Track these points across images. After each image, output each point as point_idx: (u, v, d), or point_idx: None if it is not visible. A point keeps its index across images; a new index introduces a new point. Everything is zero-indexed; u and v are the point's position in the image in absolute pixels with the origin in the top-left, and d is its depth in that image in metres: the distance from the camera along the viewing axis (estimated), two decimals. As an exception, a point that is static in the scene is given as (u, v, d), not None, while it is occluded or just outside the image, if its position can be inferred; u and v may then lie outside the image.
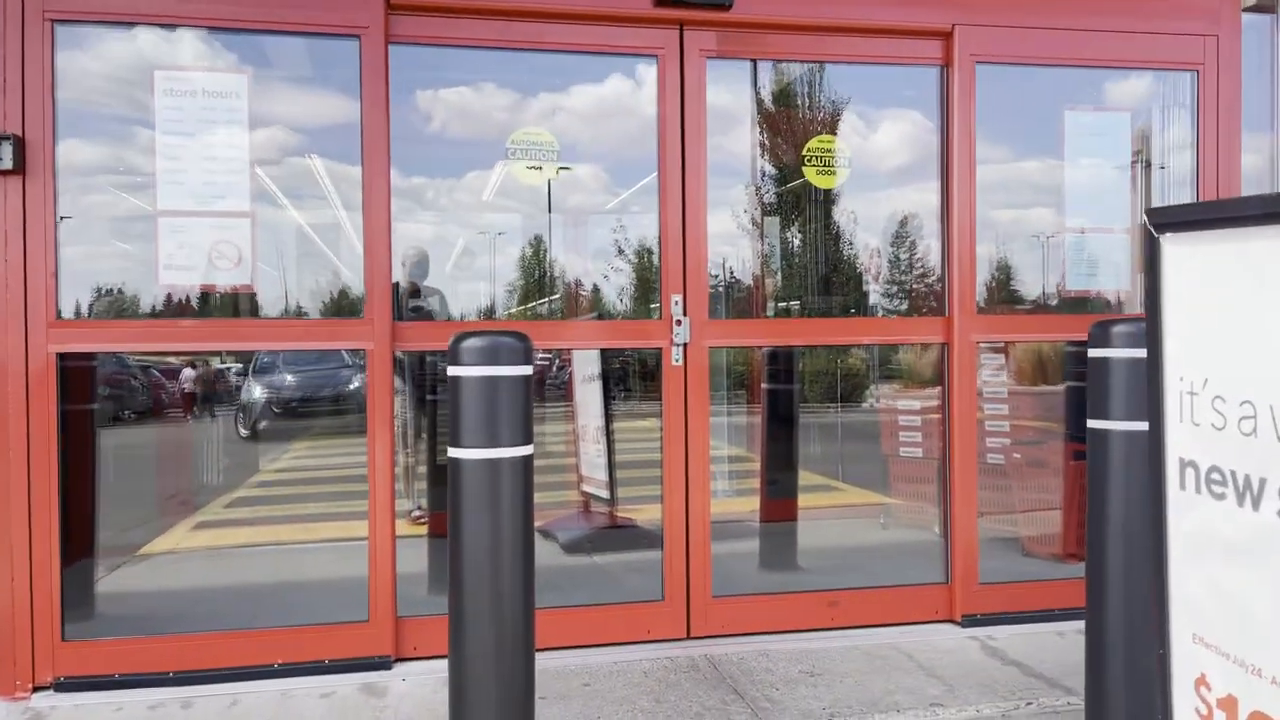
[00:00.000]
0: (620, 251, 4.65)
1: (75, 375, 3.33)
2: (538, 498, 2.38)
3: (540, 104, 3.87)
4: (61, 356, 3.19)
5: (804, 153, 3.94)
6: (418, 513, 4.55)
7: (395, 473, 3.44)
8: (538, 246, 4.69)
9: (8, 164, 3.05)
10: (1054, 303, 4.17)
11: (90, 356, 3.48)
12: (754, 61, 4.12)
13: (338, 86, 3.43)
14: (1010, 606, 3.77)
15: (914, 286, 4.55)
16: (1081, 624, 2.68)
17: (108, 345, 3.40)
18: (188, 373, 5.59)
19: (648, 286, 4.11)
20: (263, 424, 6.14)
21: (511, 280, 4.83)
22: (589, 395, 4.68)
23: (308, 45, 3.45)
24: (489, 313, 4.70)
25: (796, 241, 4.96)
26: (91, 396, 3.58)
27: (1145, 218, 1.55)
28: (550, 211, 4.33)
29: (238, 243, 3.30)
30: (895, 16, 3.72)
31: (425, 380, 4.54)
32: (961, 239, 3.78)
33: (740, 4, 3.56)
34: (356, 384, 3.21)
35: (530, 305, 4.87)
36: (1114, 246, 4.08)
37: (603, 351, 4.60)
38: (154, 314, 3.39)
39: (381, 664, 3.33)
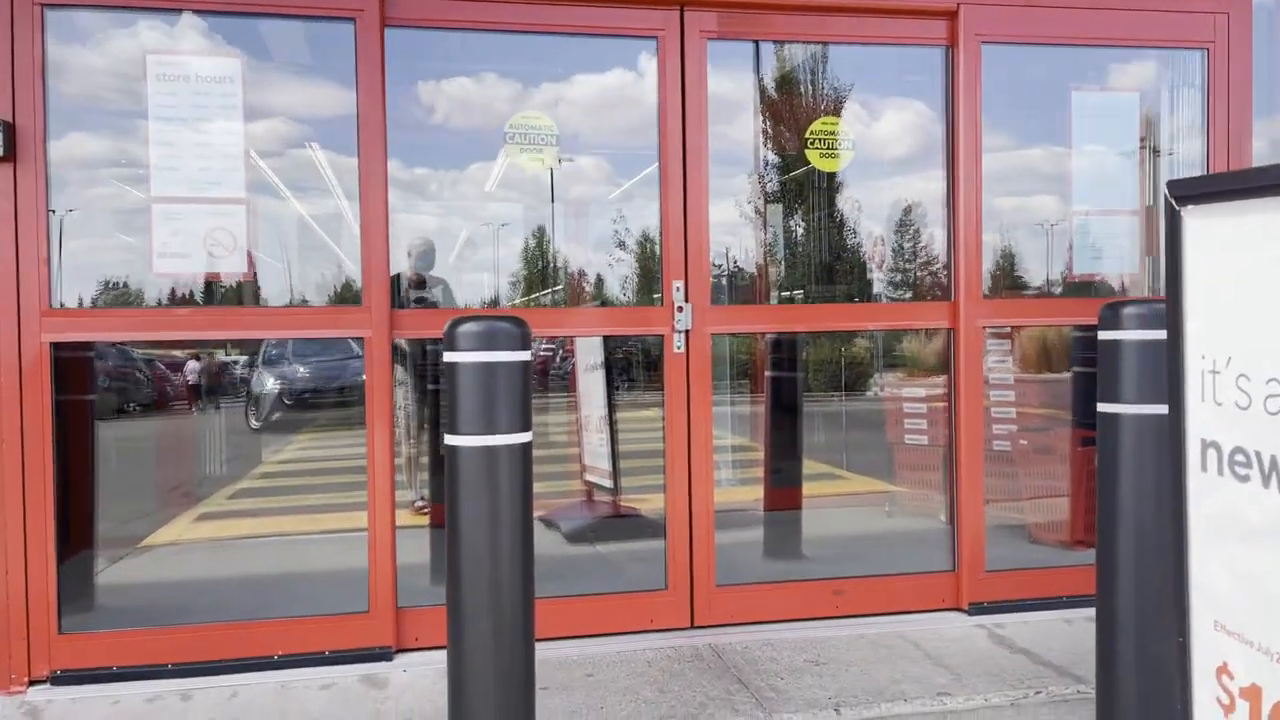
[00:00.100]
0: (622, 244, 4.61)
1: (72, 365, 3.29)
2: (541, 488, 2.34)
3: (542, 94, 3.83)
4: (56, 346, 3.15)
5: (807, 136, 3.89)
6: (420, 503, 4.52)
7: (397, 463, 3.40)
8: (540, 237, 4.65)
9: (-2, 151, 3.01)
10: (1058, 290, 4.12)
11: (87, 346, 3.44)
12: (756, 44, 4.06)
13: (334, 71, 3.38)
14: (1018, 594, 3.74)
15: (919, 275, 4.50)
16: (1090, 611, 2.63)
17: (103, 334, 3.36)
18: (192, 365, 5.57)
19: (651, 277, 4.06)
20: (275, 416, 6.11)
21: (515, 271, 4.79)
22: (592, 385, 4.65)
23: (303, 29, 3.40)
24: (493, 303, 4.67)
25: (800, 230, 4.91)
26: (89, 387, 3.54)
27: (1166, 190, 1.49)
28: (553, 201, 4.29)
29: (233, 229, 3.26)
30: (900, -5, 3.66)
31: (428, 370, 4.50)
32: (968, 221, 3.73)
33: (742, -16, 3.51)
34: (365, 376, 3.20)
35: (534, 296, 4.83)
36: (1121, 230, 4.03)
37: (606, 341, 4.56)
38: (153, 303, 3.36)
39: (382, 655, 3.29)
